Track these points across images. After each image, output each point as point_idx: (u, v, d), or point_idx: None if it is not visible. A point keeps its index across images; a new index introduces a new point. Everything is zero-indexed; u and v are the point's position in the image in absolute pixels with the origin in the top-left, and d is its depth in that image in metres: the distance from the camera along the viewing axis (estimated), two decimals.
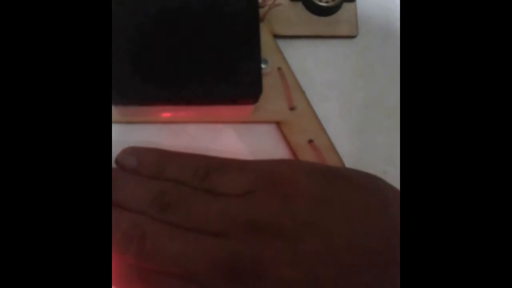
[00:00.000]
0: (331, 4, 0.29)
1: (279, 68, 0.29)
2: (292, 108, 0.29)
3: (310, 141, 0.29)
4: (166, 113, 0.27)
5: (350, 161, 0.29)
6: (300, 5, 0.30)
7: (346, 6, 0.30)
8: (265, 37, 0.28)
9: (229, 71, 0.24)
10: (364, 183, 0.24)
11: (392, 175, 0.25)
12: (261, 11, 0.28)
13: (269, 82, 0.28)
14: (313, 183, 0.23)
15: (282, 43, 0.29)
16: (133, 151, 0.26)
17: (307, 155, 0.28)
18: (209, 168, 0.24)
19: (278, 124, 0.29)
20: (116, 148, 0.28)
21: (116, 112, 0.27)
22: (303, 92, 0.29)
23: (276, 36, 0.29)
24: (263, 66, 0.27)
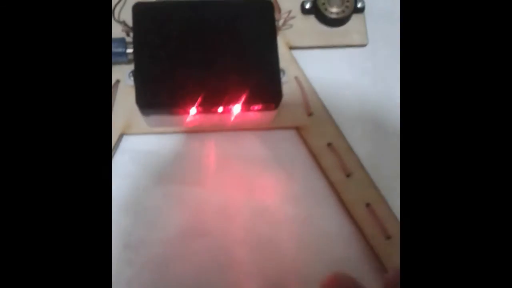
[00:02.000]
0: (341, 15, 0.31)
1: (295, 77, 0.31)
2: (310, 114, 0.30)
3: (329, 144, 0.30)
4: (192, 122, 0.29)
5: (368, 162, 0.30)
6: (312, 18, 0.32)
7: (355, 17, 0.32)
8: (281, 49, 0.30)
9: (250, 79, 0.26)
10: None
11: None
12: (277, 25, 0.30)
13: (287, 90, 0.30)
14: None
15: (297, 54, 0.31)
16: None
17: (326, 158, 0.30)
18: None
19: (297, 129, 0.30)
20: (147, 158, 0.30)
21: (146, 123, 0.29)
22: (319, 99, 0.31)
23: (292, 48, 0.32)
24: (281, 76, 0.29)
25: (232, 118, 0.27)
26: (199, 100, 0.26)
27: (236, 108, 0.27)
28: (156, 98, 0.26)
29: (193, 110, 0.27)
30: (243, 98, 0.26)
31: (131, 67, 0.28)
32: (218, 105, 0.26)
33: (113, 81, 0.30)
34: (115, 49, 0.28)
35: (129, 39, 0.29)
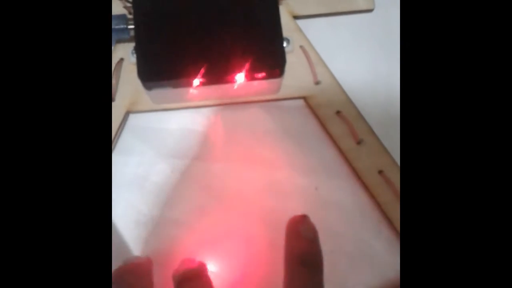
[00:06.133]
0: None
1: (301, 46, 0.30)
2: (317, 83, 0.30)
3: (338, 112, 0.29)
4: (197, 96, 0.29)
5: (379, 129, 0.29)
6: None
7: None
8: (285, 18, 0.29)
9: (252, 47, 0.26)
10: None
11: None
12: None
13: (292, 59, 0.29)
14: None
15: (302, 23, 0.31)
16: None
17: (335, 126, 0.29)
18: None
19: (305, 99, 0.30)
20: (154, 135, 0.30)
21: (150, 99, 0.29)
22: (326, 67, 0.30)
23: (296, 17, 0.31)
24: (285, 45, 0.28)
25: (235, 86, 0.27)
26: (201, 70, 0.26)
27: (240, 77, 0.26)
28: (158, 70, 0.26)
29: (196, 81, 0.26)
30: (246, 66, 0.26)
31: (134, 45, 0.28)
32: (221, 75, 0.26)
33: (117, 59, 0.30)
34: (116, 26, 0.28)
35: (130, 16, 0.29)
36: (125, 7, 0.29)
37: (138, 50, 0.26)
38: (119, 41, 0.30)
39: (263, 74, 0.26)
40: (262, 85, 0.28)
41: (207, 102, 0.30)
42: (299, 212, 0.29)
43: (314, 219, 0.29)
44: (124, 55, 0.30)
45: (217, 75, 0.26)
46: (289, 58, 0.28)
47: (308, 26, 0.31)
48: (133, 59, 0.29)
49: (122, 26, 0.28)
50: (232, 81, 0.27)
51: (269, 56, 0.26)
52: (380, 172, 0.28)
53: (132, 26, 0.28)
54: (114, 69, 0.30)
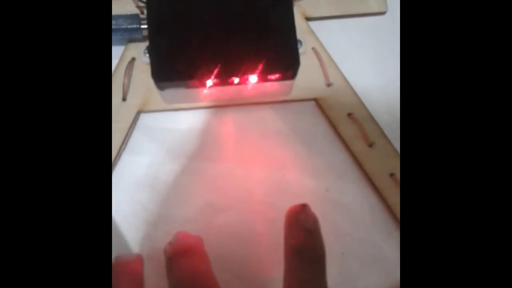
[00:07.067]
0: None
1: (313, 48, 0.30)
2: (329, 85, 0.30)
3: (349, 114, 0.29)
4: (209, 95, 0.28)
5: (390, 131, 0.29)
6: None
7: None
8: (297, 20, 0.29)
9: (266, 48, 0.26)
10: None
11: None
12: None
13: (304, 61, 0.29)
14: None
15: (314, 25, 0.31)
16: None
17: (347, 128, 0.29)
18: None
19: (316, 100, 0.30)
20: (165, 135, 0.30)
21: (162, 99, 0.29)
22: (338, 69, 0.30)
23: (308, 19, 0.31)
24: (298, 46, 0.28)
25: (249, 87, 0.27)
26: (215, 70, 0.26)
27: (253, 79, 0.26)
28: (172, 70, 0.26)
29: (209, 82, 0.26)
30: (259, 68, 0.26)
31: (146, 44, 0.28)
32: (235, 76, 0.26)
33: (129, 58, 0.30)
34: (129, 25, 0.28)
35: (143, 15, 0.29)
36: (138, 6, 0.29)
37: (151, 50, 0.26)
38: (131, 40, 0.30)
39: (276, 76, 0.26)
40: (274, 87, 0.28)
41: (218, 103, 0.30)
42: None
43: (325, 221, 0.29)
44: (136, 55, 0.30)
45: (230, 75, 0.26)
46: (301, 60, 0.27)
47: (320, 28, 0.31)
48: (145, 58, 0.29)
49: (135, 26, 0.28)
50: (245, 82, 0.27)
51: (283, 58, 0.26)
52: (392, 175, 0.28)
53: (145, 26, 0.28)
54: (126, 68, 0.30)
